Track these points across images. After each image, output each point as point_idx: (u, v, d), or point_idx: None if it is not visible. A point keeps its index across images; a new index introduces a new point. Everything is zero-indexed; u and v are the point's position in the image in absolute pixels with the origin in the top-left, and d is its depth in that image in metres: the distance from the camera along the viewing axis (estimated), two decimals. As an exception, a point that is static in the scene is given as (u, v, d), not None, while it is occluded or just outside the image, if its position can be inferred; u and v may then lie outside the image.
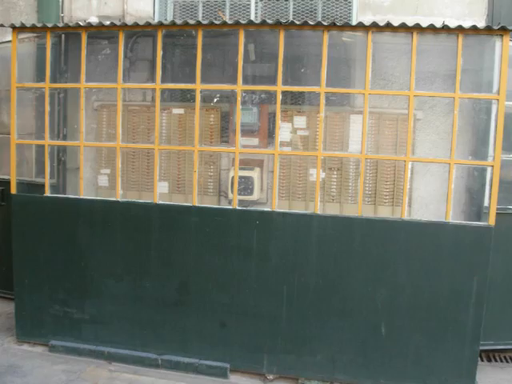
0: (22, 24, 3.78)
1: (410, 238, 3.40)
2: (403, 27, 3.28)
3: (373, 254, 3.44)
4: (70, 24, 3.77)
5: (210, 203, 4.22)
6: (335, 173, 4.19)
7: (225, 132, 4.35)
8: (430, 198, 4.10)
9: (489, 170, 3.45)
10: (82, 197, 3.86)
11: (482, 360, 3.97)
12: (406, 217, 3.46)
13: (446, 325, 3.39)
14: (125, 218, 3.76)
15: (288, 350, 3.60)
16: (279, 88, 3.48)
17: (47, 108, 3.84)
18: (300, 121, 4.20)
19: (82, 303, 3.87)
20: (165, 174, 4.44)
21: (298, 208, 4.12)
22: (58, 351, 3.90)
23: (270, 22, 3.42)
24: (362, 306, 3.48)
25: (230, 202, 4.02)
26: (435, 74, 3.97)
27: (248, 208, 3.83)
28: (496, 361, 4.02)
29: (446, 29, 3.25)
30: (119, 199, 3.79)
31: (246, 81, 3.64)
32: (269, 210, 3.59)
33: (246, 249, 3.58)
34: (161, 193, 3.95)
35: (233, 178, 3.75)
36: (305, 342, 3.58)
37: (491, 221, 3.32)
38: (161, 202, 3.75)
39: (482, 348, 3.68)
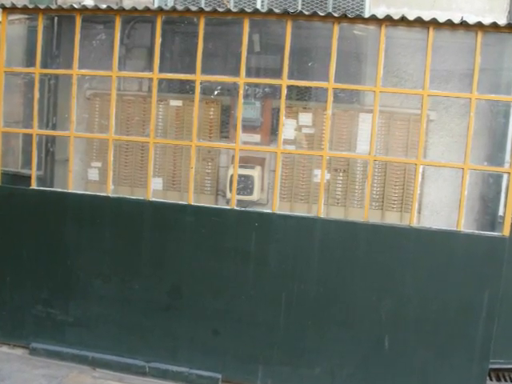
0: (13, 4, 3.78)
1: (418, 246, 3.40)
2: (419, 22, 3.29)
3: (378, 262, 3.44)
4: (64, 6, 3.77)
5: (206, 202, 4.22)
6: (341, 174, 4.19)
7: (225, 127, 4.35)
8: (442, 204, 4.10)
9: (505, 176, 3.45)
10: (70, 191, 3.85)
11: (491, 379, 3.96)
12: (415, 224, 3.46)
13: (454, 340, 3.40)
14: (115, 215, 3.76)
15: (284, 361, 3.60)
16: (284, 82, 3.48)
17: (36, 95, 3.83)
18: (305, 118, 4.21)
19: (66, 304, 3.87)
20: (159, 169, 4.44)
21: (300, 210, 4.11)
22: (39, 354, 3.89)
23: (276, 11, 3.42)
24: (364, 316, 3.48)
25: (227, 202, 4.02)
26: (451, 72, 3.97)
27: (247, 209, 3.83)
28: (506, 380, 4.01)
29: (464, 25, 3.25)
30: (110, 195, 3.78)
31: (249, 73, 3.64)
32: (269, 211, 3.59)
33: (243, 252, 3.58)
34: (155, 189, 3.93)
35: (232, 176, 3.75)
36: (303, 354, 3.57)
37: (506, 231, 3.32)
38: (154, 199, 3.74)
39: (491, 366, 3.67)
